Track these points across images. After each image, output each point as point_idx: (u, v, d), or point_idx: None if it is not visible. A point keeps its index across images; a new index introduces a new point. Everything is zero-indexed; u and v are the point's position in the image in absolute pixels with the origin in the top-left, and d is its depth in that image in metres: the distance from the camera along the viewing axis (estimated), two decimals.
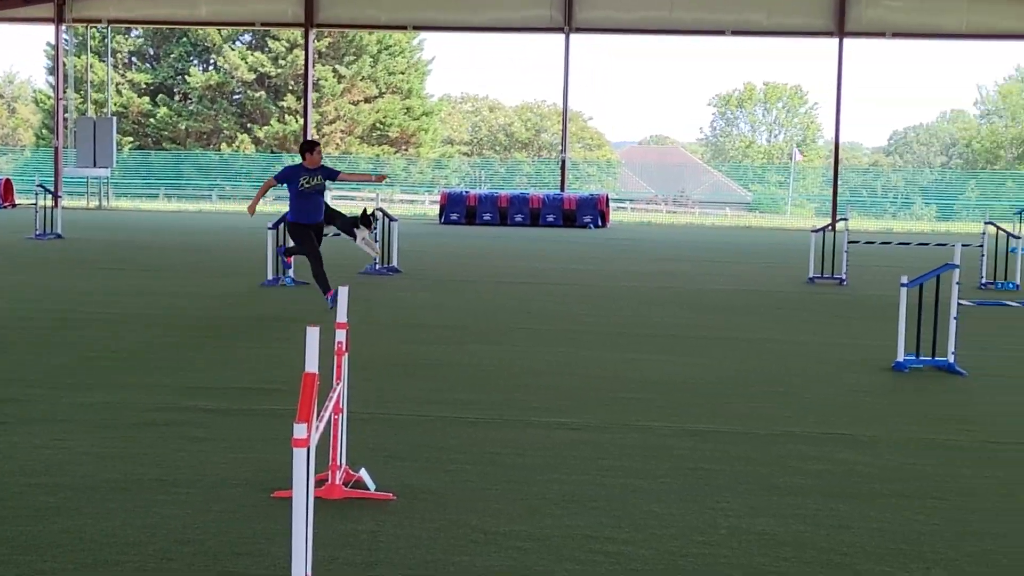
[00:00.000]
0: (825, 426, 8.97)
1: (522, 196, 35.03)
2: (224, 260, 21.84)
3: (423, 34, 51.89)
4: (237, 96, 56.29)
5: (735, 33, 35.87)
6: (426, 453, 7.74)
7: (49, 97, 48.91)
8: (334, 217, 15.51)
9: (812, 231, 22.02)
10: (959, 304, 11.53)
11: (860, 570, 5.80)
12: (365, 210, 16.29)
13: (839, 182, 36.92)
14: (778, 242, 29.53)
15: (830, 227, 21.86)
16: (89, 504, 6.58)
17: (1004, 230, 20.49)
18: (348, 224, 15.61)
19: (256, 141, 54.87)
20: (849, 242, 20.79)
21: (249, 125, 55.37)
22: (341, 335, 6.61)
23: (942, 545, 6.16)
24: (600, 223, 34.22)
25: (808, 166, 65.29)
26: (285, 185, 14.80)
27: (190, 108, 55.82)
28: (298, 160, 15.03)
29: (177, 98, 56.45)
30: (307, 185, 14.59)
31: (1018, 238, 20.42)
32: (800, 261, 21.79)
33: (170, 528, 6.13)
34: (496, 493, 6.91)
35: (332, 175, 15.23)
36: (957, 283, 11.51)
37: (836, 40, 35.46)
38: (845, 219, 24.18)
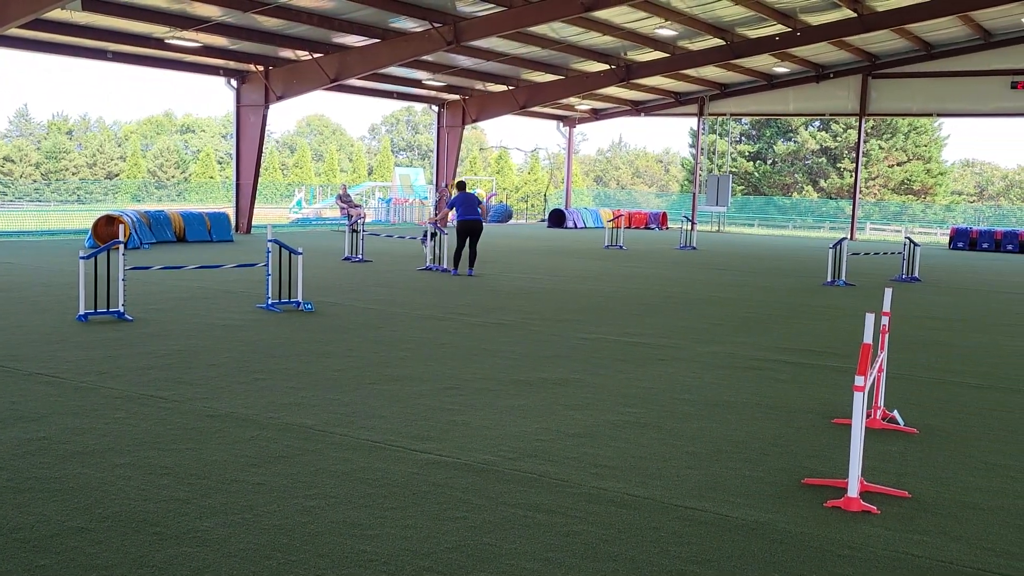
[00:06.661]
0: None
1: (1013, 232, 31.57)
2: (792, 267, 20.06)
3: (942, 118, 48.15)
4: (807, 160, 55.63)
5: None
6: (940, 405, 7.24)
7: (690, 161, 51.04)
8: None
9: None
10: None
11: None
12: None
13: None
14: None
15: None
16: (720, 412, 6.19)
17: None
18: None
19: (819, 190, 54.33)
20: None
21: (815, 179, 54.93)
22: (885, 320, 6.40)
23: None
24: None
25: None
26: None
27: (772, 167, 55.59)
28: None
29: (769, 161, 56.03)
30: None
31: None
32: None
33: (765, 436, 6.12)
34: (994, 436, 6.40)
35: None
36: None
37: None
38: None
